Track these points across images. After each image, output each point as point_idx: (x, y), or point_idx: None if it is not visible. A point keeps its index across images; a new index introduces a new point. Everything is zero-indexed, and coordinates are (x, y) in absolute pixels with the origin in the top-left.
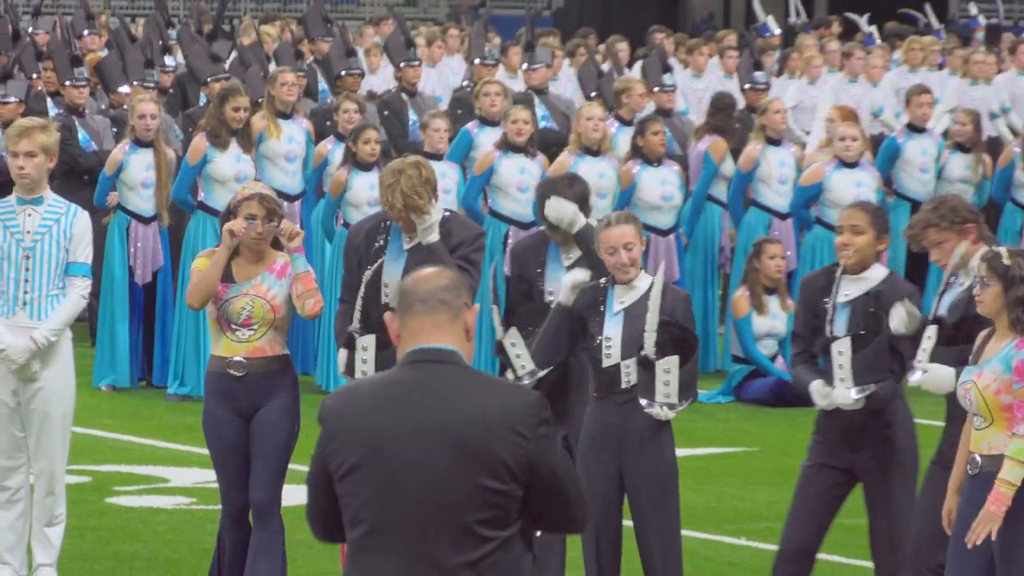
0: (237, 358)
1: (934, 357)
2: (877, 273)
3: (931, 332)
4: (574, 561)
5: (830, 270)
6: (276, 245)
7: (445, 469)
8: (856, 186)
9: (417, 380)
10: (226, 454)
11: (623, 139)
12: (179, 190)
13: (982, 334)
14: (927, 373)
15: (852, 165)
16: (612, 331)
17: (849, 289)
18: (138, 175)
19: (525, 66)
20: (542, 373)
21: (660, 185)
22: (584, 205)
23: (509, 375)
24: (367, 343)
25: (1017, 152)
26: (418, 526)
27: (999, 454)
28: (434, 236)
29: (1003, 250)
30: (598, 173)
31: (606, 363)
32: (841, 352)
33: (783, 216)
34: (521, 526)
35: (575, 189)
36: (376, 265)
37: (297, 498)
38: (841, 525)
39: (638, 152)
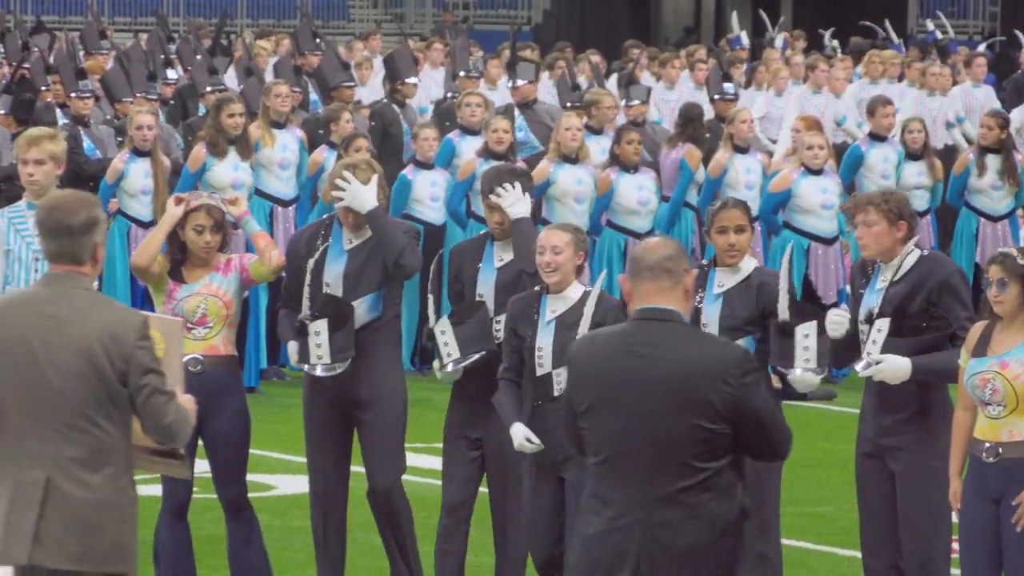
0: (194, 355)
1: (885, 348)
2: (747, 264)
3: (882, 325)
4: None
5: (700, 269)
6: (219, 250)
7: (665, 412)
8: (822, 192)
9: (644, 335)
10: None
11: (592, 147)
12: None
13: (977, 327)
14: (882, 364)
15: (817, 172)
16: (544, 340)
17: (723, 280)
18: (137, 183)
19: (509, 83)
20: (467, 362)
21: (637, 191)
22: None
23: (435, 363)
24: (319, 327)
25: (972, 159)
26: (644, 459)
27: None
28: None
29: (1013, 251)
30: (576, 179)
31: (539, 372)
32: None
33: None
34: (732, 456)
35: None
36: (318, 255)
37: (293, 487)
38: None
39: (616, 159)
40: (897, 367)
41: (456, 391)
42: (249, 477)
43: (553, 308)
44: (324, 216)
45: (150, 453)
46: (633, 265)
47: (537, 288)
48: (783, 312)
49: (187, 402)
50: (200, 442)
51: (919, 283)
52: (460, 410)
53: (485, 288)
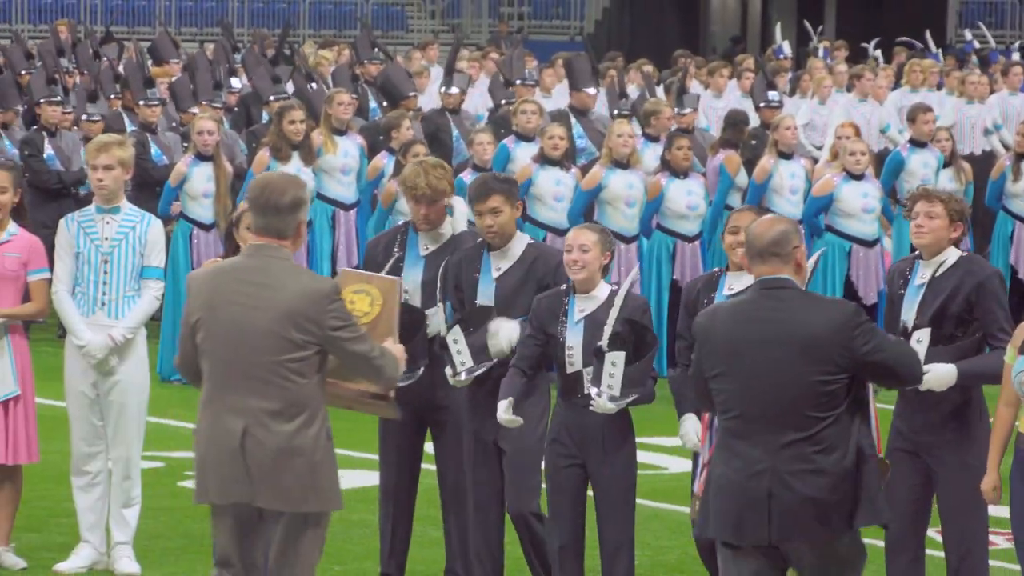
0: None
1: (928, 359)
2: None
3: (921, 336)
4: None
5: (710, 275)
6: None
7: (788, 370)
8: (863, 196)
9: (762, 302)
10: None
11: (649, 154)
12: (243, 198)
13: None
14: (928, 374)
15: (859, 177)
16: (573, 340)
17: (733, 283)
18: (200, 186)
19: (583, 89)
20: (480, 371)
21: (686, 195)
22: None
23: (448, 371)
24: None
25: (1008, 164)
26: (770, 415)
27: None
28: (462, 226)
29: None
30: (627, 184)
31: (569, 370)
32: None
33: None
34: (848, 401)
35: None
36: (392, 262)
37: (353, 482)
38: None
39: (666, 165)
40: (942, 375)
41: (467, 398)
42: None
43: (582, 307)
44: (400, 223)
45: (367, 396)
46: (747, 248)
47: (563, 287)
48: None
49: (397, 350)
50: None
51: (958, 285)
52: (474, 418)
53: (485, 298)
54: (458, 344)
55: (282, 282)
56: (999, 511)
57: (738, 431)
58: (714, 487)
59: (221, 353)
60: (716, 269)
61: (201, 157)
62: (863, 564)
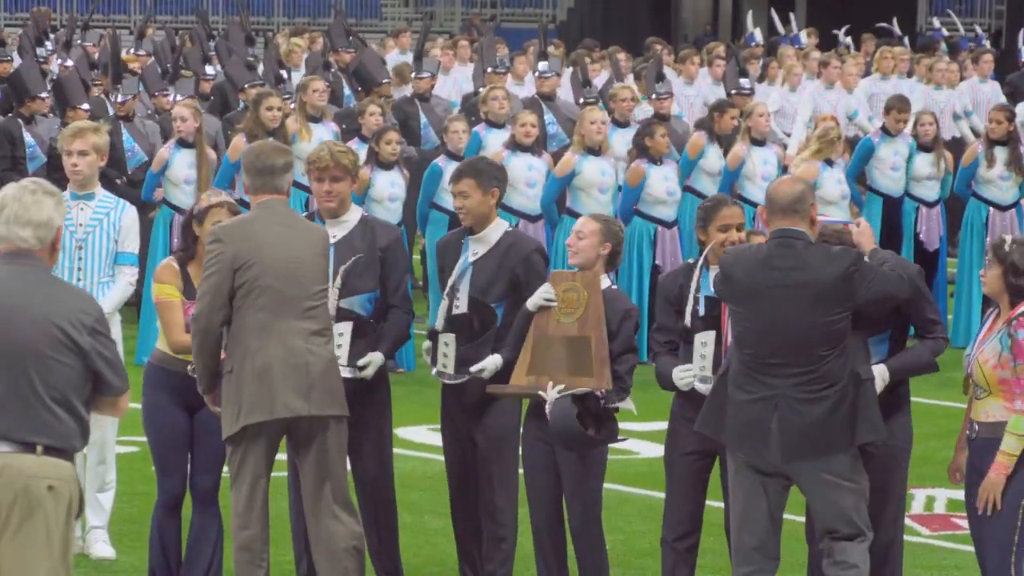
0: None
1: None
2: None
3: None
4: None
5: (688, 267)
6: None
7: (800, 313)
8: (838, 183)
9: (779, 251)
10: (169, 444)
11: (616, 139)
12: (220, 184)
13: (989, 312)
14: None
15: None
16: None
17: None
18: (181, 172)
19: (537, 73)
20: (456, 382)
21: (664, 181)
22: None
23: (434, 365)
24: (343, 329)
25: (980, 151)
26: (782, 352)
27: (996, 422)
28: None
29: (1008, 238)
30: (600, 171)
31: None
32: (704, 343)
33: None
34: (847, 339)
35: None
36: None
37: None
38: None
39: (645, 152)
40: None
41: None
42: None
43: None
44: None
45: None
46: (768, 204)
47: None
48: None
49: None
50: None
51: None
52: (452, 410)
53: (461, 280)
54: (448, 347)
55: (307, 226)
56: None
57: (752, 365)
58: (731, 405)
59: (278, 287)
60: (691, 260)
61: (183, 144)
62: (865, 488)
